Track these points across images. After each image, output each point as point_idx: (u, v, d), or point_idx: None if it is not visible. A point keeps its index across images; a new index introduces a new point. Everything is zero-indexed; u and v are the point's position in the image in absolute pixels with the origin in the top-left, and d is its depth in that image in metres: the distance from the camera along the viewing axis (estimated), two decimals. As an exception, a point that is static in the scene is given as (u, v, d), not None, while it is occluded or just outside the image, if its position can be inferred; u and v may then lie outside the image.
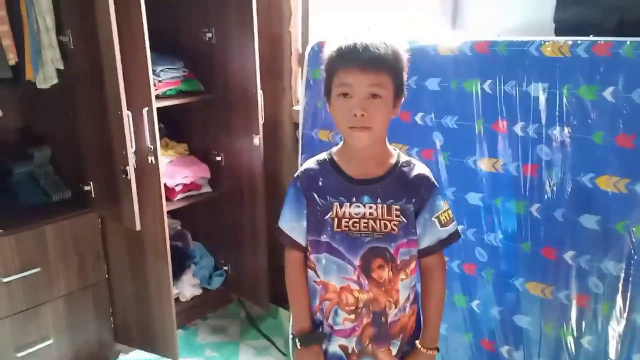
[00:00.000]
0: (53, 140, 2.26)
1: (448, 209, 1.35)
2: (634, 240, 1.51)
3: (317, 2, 2.45)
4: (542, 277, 1.70)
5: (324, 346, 1.40)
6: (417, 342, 1.40)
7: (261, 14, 2.25)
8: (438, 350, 1.40)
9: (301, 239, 1.37)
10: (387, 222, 1.28)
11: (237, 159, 2.52)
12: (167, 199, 2.43)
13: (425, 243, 1.34)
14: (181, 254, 2.68)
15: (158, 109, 2.12)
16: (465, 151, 1.78)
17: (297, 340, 1.40)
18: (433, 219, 1.32)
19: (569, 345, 1.67)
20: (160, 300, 2.21)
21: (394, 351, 1.39)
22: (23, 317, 2.04)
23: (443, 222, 1.33)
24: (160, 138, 2.54)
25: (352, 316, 1.34)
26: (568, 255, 1.63)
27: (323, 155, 1.36)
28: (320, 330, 1.39)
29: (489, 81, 1.69)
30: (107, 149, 1.99)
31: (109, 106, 1.91)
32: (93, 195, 2.14)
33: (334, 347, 1.39)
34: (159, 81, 2.31)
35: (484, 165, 1.75)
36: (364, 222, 1.29)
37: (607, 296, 1.57)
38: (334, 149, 1.36)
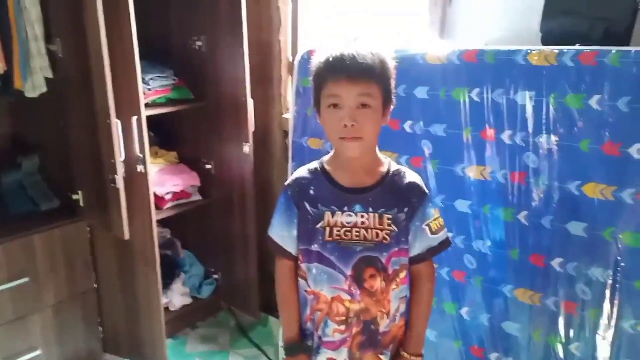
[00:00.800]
0: (42, 148, 2.25)
1: (439, 217, 1.35)
2: (620, 247, 1.52)
3: (307, 11, 2.46)
4: (530, 284, 1.71)
5: (313, 358, 1.39)
6: (400, 348, 1.40)
7: (251, 22, 2.25)
8: (422, 356, 1.40)
9: (291, 248, 1.36)
10: (379, 231, 1.28)
11: (227, 166, 2.52)
12: (157, 208, 2.42)
13: (415, 250, 1.34)
14: (171, 263, 2.67)
15: (148, 117, 2.12)
16: (454, 159, 1.79)
17: (285, 350, 1.40)
18: (424, 226, 1.32)
19: (557, 352, 1.68)
20: (149, 309, 2.20)
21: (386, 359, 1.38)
22: (11, 327, 2.02)
23: (434, 229, 1.33)
24: (150, 146, 2.54)
25: (342, 327, 1.33)
26: (556, 262, 1.64)
27: (314, 164, 1.36)
28: (311, 342, 1.39)
29: (476, 90, 1.70)
30: (96, 157, 1.98)
31: (98, 115, 1.90)
32: (82, 204, 2.13)
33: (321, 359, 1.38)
34: (149, 89, 2.30)
35: (472, 172, 1.76)
36: (356, 231, 1.28)
37: (595, 303, 1.59)
38: (325, 158, 1.36)
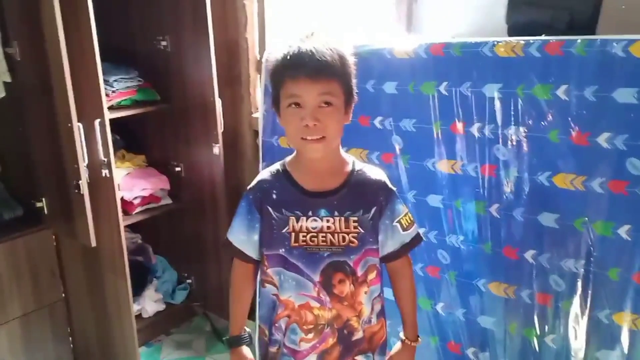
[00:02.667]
0: (2, 156, 2.18)
1: (408, 212, 1.33)
2: (592, 236, 1.52)
3: (274, 9, 2.42)
4: (504, 277, 1.70)
5: None
6: (400, 334, 1.41)
7: (216, 20, 2.21)
8: (419, 337, 1.41)
9: (251, 252, 1.32)
10: (346, 235, 1.25)
11: (197, 169, 2.48)
12: (126, 213, 2.37)
13: (389, 248, 1.31)
14: (142, 269, 2.62)
15: (113, 120, 2.08)
16: (425, 154, 1.77)
17: (225, 343, 1.41)
18: (395, 223, 1.30)
19: (533, 345, 1.67)
20: (120, 317, 2.14)
21: None
22: (-25, 342, 1.96)
23: (405, 226, 1.31)
24: (117, 150, 2.50)
25: (310, 335, 1.30)
26: (529, 255, 1.63)
27: (276, 166, 1.32)
28: (275, 349, 1.35)
29: (444, 83, 1.69)
30: (59, 163, 1.92)
31: (59, 119, 1.85)
32: (46, 212, 2.07)
33: None
34: (113, 91, 2.25)
35: (443, 167, 1.75)
36: (322, 237, 1.24)
37: (569, 294, 1.58)
38: (288, 159, 1.31)
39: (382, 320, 1.38)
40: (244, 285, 1.38)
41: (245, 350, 1.40)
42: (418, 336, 1.42)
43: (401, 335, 1.42)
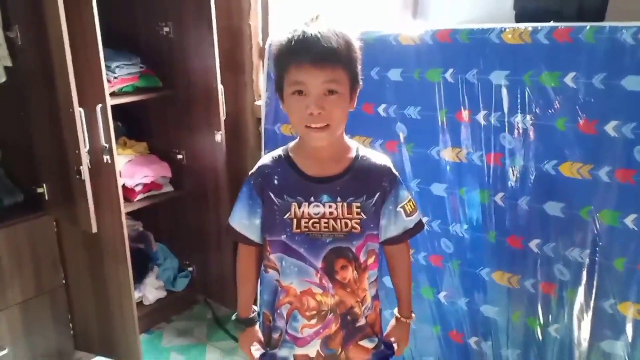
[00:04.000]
0: (3, 141, 2.16)
1: (411, 199, 1.32)
2: (598, 226, 1.50)
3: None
4: (508, 267, 1.69)
5: (278, 352, 1.35)
6: (395, 311, 1.43)
7: (219, 6, 2.19)
8: (413, 315, 1.43)
9: (255, 237, 1.32)
10: (348, 221, 1.23)
11: (199, 156, 2.46)
12: (127, 200, 2.37)
13: (391, 233, 1.31)
14: (143, 256, 2.62)
15: (115, 106, 2.06)
16: (429, 142, 1.76)
17: (234, 324, 1.44)
18: (398, 209, 1.29)
19: (537, 334, 1.67)
20: (120, 304, 2.13)
21: (372, 344, 1.36)
22: (-24, 327, 1.95)
23: (408, 211, 1.30)
24: (119, 137, 2.49)
25: (313, 321, 1.29)
26: (533, 244, 1.62)
27: (279, 151, 1.30)
28: (278, 335, 1.35)
29: (450, 70, 1.67)
30: (60, 149, 1.90)
31: (61, 104, 1.83)
32: (47, 198, 2.05)
33: (284, 353, 1.34)
34: (115, 77, 2.23)
35: (447, 155, 1.73)
36: (324, 222, 1.23)
37: (573, 283, 1.57)
38: (291, 144, 1.30)
39: (376, 302, 1.38)
40: (250, 267, 1.38)
41: (254, 330, 1.42)
42: (412, 312, 1.43)
43: (395, 312, 1.43)
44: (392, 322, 1.44)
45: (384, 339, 1.42)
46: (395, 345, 1.43)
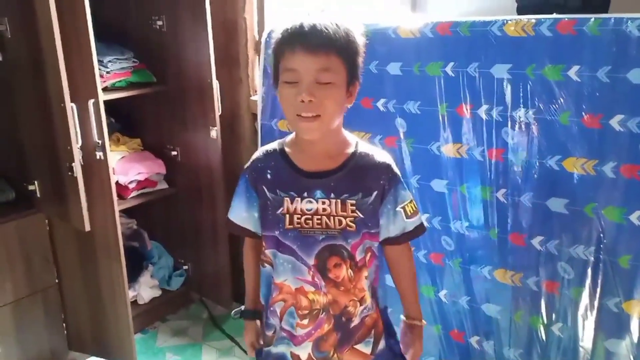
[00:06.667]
0: (-8, 137, 2.12)
1: (412, 200, 1.28)
2: (602, 223, 1.48)
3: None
4: (510, 264, 1.66)
5: (273, 349, 1.32)
6: (402, 317, 1.37)
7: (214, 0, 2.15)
8: (422, 320, 1.37)
9: (255, 229, 1.29)
10: (342, 219, 1.20)
11: (193, 153, 2.42)
12: (121, 197, 2.33)
13: (390, 233, 1.26)
14: (138, 255, 2.58)
15: (108, 102, 2.03)
16: (429, 137, 1.73)
17: (241, 315, 1.42)
18: (398, 209, 1.24)
19: (540, 334, 1.64)
20: (114, 303, 2.10)
21: (368, 349, 1.31)
22: (-34, 327, 1.91)
23: (409, 213, 1.26)
24: (112, 133, 2.45)
25: (306, 321, 1.26)
26: (536, 241, 1.59)
27: (273, 145, 1.27)
28: (272, 333, 1.32)
29: (451, 63, 1.64)
30: (52, 145, 1.86)
31: (52, 99, 1.79)
32: (38, 195, 2.01)
33: (281, 349, 1.31)
34: (107, 72, 2.19)
35: (448, 151, 1.70)
36: (317, 219, 1.20)
37: (577, 281, 1.55)
38: (287, 138, 1.26)
39: (378, 309, 1.34)
40: (254, 259, 1.36)
41: (256, 323, 1.40)
42: (421, 317, 1.38)
43: (403, 317, 1.38)
44: (401, 327, 1.39)
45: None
46: (406, 352, 1.37)
